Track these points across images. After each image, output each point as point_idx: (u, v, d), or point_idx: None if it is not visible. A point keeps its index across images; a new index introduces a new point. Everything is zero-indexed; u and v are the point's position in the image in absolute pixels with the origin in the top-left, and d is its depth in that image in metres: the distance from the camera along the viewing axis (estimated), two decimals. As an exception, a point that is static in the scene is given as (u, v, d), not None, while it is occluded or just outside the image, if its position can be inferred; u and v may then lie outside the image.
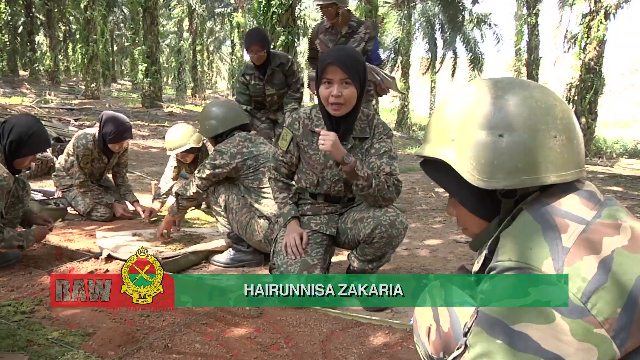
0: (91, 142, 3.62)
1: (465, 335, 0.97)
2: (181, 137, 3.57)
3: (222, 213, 2.80)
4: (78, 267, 2.59)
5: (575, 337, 0.81)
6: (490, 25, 19.88)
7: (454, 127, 0.99)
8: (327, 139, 2.02)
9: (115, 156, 3.80)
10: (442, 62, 21.81)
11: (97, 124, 3.72)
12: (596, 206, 0.92)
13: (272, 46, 8.02)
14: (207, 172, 2.74)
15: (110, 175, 4.08)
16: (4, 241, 2.44)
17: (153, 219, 3.74)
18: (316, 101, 2.29)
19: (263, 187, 2.71)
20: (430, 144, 1.04)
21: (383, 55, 3.75)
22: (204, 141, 3.75)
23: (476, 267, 1.05)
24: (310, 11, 22.42)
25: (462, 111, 0.99)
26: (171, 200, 4.02)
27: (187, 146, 3.56)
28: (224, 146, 2.75)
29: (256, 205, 2.71)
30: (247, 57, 3.90)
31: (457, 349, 1.01)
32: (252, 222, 2.69)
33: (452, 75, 21.32)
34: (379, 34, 4.85)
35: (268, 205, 2.67)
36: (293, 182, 2.38)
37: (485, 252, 1.02)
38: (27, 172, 4.94)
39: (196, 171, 2.84)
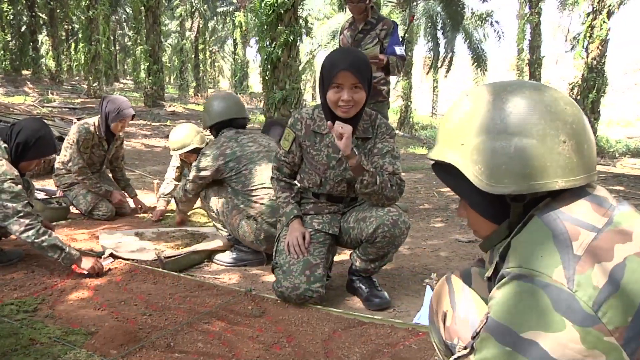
0: (92, 126, 3.70)
1: (473, 338, 0.97)
2: (185, 137, 3.58)
3: (216, 217, 2.84)
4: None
5: (584, 345, 0.80)
6: (492, 23, 19.85)
7: (463, 131, 0.98)
8: (345, 128, 1.96)
9: (114, 143, 3.86)
10: (444, 61, 21.81)
11: (99, 108, 3.81)
12: (608, 212, 0.91)
13: (273, 45, 7.93)
14: (193, 174, 2.80)
15: (109, 173, 4.10)
16: (46, 241, 2.34)
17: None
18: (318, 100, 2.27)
19: (247, 189, 2.70)
20: (440, 148, 1.04)
21: (399, 50, 3.54)
22: (208, 141, 3.76)
23: (489, 273, 1.05)
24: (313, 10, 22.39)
25: (471, 116, 0.98)
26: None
27: (190, 147, 3.56)
28: (208, 149, 2.80)
29: (242, 207, 2.71)
30: None
31: (464, 348, 1.01)
32: (242, 223, 2.69)
33: (447, 72, 21.38)
34: (407, 32, 4.68)
35: (254, 207, 2.67)
36: (295, 182, 2.37)
37: (496, 259, 1.02)
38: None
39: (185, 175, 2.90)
